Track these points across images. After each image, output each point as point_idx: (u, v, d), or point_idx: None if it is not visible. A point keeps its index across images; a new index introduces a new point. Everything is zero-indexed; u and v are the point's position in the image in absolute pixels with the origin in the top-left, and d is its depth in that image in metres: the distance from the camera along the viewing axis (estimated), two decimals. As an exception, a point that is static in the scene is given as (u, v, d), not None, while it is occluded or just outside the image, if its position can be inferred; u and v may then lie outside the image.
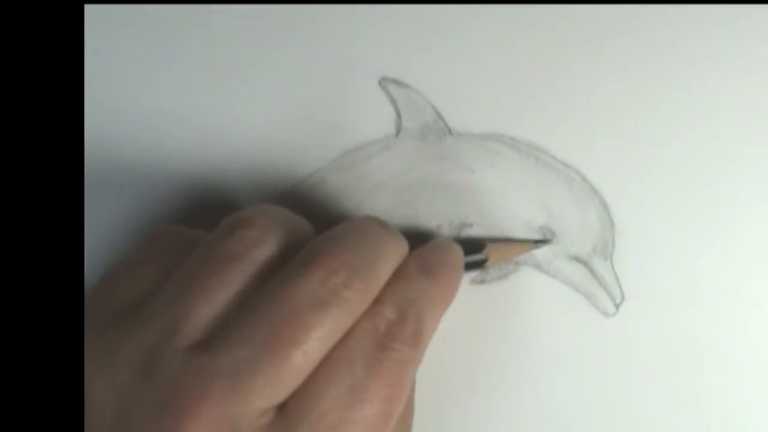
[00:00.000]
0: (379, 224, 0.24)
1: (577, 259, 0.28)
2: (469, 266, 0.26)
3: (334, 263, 0.21)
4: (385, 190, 0.28)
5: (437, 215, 0.28)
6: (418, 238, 0.25)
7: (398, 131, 0.28)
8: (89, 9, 0.27)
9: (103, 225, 0.27)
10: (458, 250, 0.25)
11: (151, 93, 0.28)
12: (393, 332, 0.22)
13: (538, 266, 0.28)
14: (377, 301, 0.22)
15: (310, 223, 0.24)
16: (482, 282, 0.28)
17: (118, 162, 0.28)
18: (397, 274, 0.23)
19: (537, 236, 0.28)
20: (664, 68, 0.28)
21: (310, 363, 0.21)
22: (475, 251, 0.26)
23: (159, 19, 0.28)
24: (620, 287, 0.28)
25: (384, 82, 0.28)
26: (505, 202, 0.28)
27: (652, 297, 0.28)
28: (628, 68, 0.28)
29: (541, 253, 0.28)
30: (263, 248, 0.22)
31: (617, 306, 0.28)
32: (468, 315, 0.28)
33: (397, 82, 0.28)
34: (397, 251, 0.23)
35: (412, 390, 0.24)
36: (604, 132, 0.28)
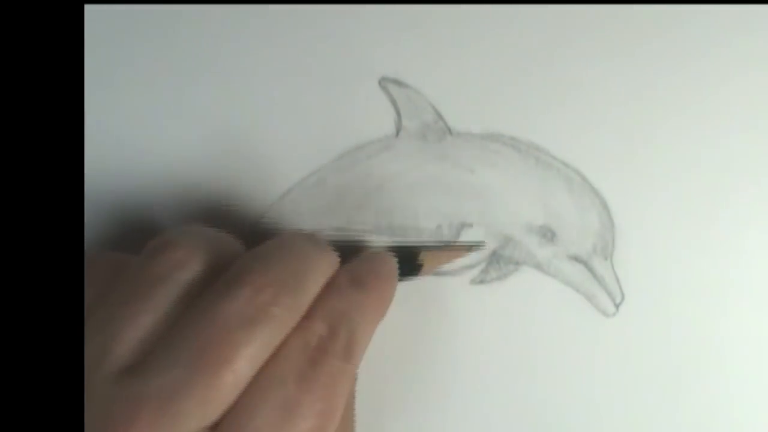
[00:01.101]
0: (307, 239, 0.24)
1: (577, 259, 0.28)
2: (405, 274, 0.26)
3: (260, 280, 0.21)
4: (385, 190, 0.28)
5: (437, 215, 0.28)
6: (352, 250, 0.25)
7: (398, 131, 0.28)
8: (89, 9, 0.27)
9: (103, 225, 0.27)
10: (391, 260, 0.25)
11: (150, 93, 0.28)
12: (324, 347, 0.22)
13: (538, 266, 0.28)
14: (308, 316, 0.22)
15: (240, 241, 0.24)
16: (482, 282, 0.28)
17: (118, 162, 0.28)
18: (328, 288, 0.23)
19: (537, 236, 0.28)
20: (664, 68, 0.28)
21: (241, 382, 0.20)
22: (410, 259, 0.26)
23: (159, 19, 0.28)
24: (620, 287, 0.28)
25: (384, 82, 0.28)
26: (505, 202, 0.28)
27: (652, 297, 0.28)
28: (628, 68, 0.28)
29: (541, 253, 0.28)
30: (188, 269, 0.22)
31: (617, 306, 0.28)
32: (468, 315, 0.28)
33: (397, 82, 0.28)
34: (326, 265, 0.23)
35: (352, 401, 0.24)
36: (604, 132, 0.28)
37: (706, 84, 0.28)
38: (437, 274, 0.28)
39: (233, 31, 0.28)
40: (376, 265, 0.25)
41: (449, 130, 0.28)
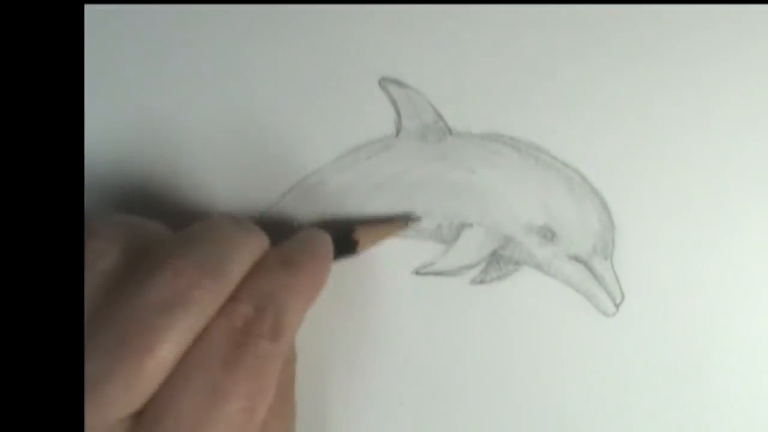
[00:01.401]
0: (233, 221, 0.23)
1: (577, 259, 0.28)
2: (341, 252, 0.26)
3: (181, 264, 0.21)
4: (385, 190, 0.28)
5: (437, 215, 0.28)
6: (289, 231, 0.25)
7: (398, 131, 0.28)
8: (89, 9, 0.27)
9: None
10: (324, 239, 0.25)
11: (150, 93, 0.28)
12: (250, 328, 0.21)
13: (538, 266, 0.28)
14: (234, 298, 0.22)
15: (168, 229, 0.24)
16: (482, 282, 0.28)
17: (118, 162, 0.28)
18: (257, 269, 0.23)
19: (537, 236, 0.28)
20: (664, 68, 0.28)
21: (164, 367, 0.20)
22: (345, 237, 0.26)
23: (159, 19, 0.28)
24: (620, 287, 0.28)
25: (384, 82, 0.28)
26: (505, 202, 0.28)
27: (652, 297, 0.28)
28: (628, 68, 0.28)
29: (541, 253, 0.28)
30: (108, 258, 0.22)
31: (617, 306, 0.28)
32: (468, 315, 0.28)
33: (397, 82, 0.28)
34: (253, 246, 0.23)
35: (291, 383, 0.24)
36: (604, 132, 0.28)
37: (707, 84, 0.28)
38: (437, 274, 0.28)
39: (233, 31, 0.28)
40: (308, 244, 0.24)
41: (449, 130, 0.28)
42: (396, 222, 0.27)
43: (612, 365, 0.28)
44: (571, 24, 0.28)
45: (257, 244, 0.23)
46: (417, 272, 0.28)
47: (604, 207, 0.28)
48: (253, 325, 0.22)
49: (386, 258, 0.28)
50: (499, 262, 0.28)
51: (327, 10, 0.28)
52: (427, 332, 0.28)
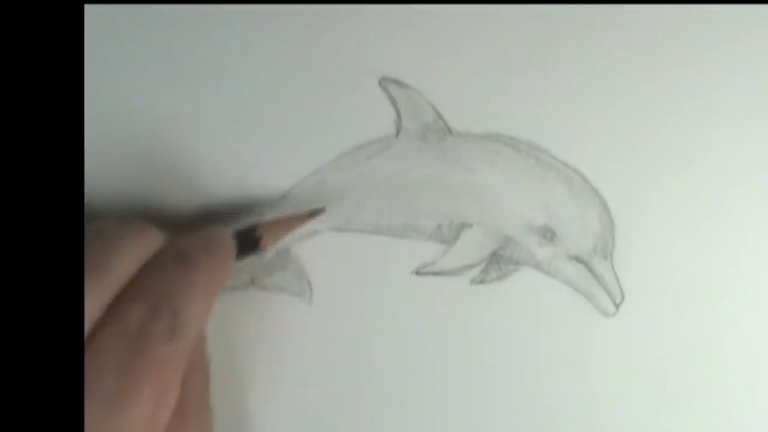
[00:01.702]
0: (118, 220, 0.23)
1: (577, 259, 0.28)
2: (245, 250, 0.25)
3: None
4: (385, 190, 0.28)
5: (437, 215, 0.28)
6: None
7: (398, 131, 0.28)
8: (89, 9, 0.27)
9: (103, 225, 0.27)
10: (221, 233, 0.24)
11: (150, 93, 0.28)
12: (145, 330, 0.21)
13: (538, 266, 0.28)
14: (124, 298, 0.21)
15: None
16: (482, 282, 0.28)
17: (118, 161, 0.28)
18: (148, 268, 0.22)
19: (537, 236, 0.28)
20: (664, 68, 0.28)
21: None
22: (247, 233, 0.25)
23: (159, 19, 0.28)
24: (620, 287, 0.28)
25: (384, 82, 0.28)
26: (505, 202, 0.28)
27: (652, 297, 0.28)
28: (627, 68, 0.28)
29: (541, 253, 0.28)
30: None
31: (617, 306, 0.28)
32: (468, 315, 0.28)
33: (397, 82, 0.28)
34: (140, 245, 0.22)
35: (203, 383, 0.24)
36: (604, 132, 0.28)
37: (706, 84, 0.28)
38: (437, 274, 0.28)
39: (233, 31, 0.28)
40: (204, 239, 0.23)
41: (449, 130, 0.28)
42: (299, 216, 0.26)
43: (612, 365, 0.28)
44: (570, 24, 0.28)
45: (148, 242, 0.22)
46: (417, 272, 0.28)
47: (604, 207, 0.28)
48: (148, 326, 0.21)
49: (386, 258, 0.28)
50: (499, 262, 0.28)
51: (327, 10, 0.28)
52: (427, 332, 0.28)
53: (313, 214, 0.27)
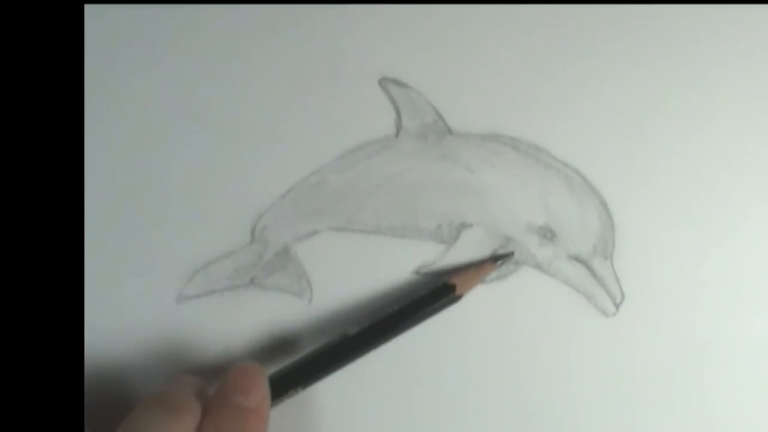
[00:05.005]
0: (159, 408, 0.23)
1: (577, 259, 0.28)
2: (443, 305, 0.26)
3: None
4: (385, 190, 0.28)
5: (437, 215, 0.28)
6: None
7: (398, 131, 0.28)
8: (89, 9, 0.27)
9: (104, 225, 0.27)
10: (258, 380, 0.24)
11: (150, 93, 0.28)
12: None
13: (538, 266, 0.28)
14: None
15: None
16: (482, 282, 0.28)
17: (118, 162, 0.28)
18: None
19: (537, 236, 0.28)
20: (664, 68, 0.28)
21: None
22: (445, 293, 0.26)
23: (158, 19, 0.28)
24: (620, 287, 0.28)
25: (384, 82, 0.28)
26: (505, 202, 0.28)
27: (652, 297, 0.28)
28: (628, 68, 0.28)
29: (541, 253, 0.28)
30: None
31: (617, 306, 0.28)
32: (468, 315, 0.28)
33: (397, 82, 0.28)
34: (183, 428, 0.23)
35: None
36: (604, 132, 0.28)
37: (706, 84, 0.28)
38: (437, 274, 0.28)
39: (234, 31, 0.28)
40: (237, 403, 0.24)
41: (449, 130, 0.28)
42: (489, 263, 0.27)
43: (612, 365, 0.28)
44: (571, 24, 0.28)
45: (187, 422, 0.23)
46: (417, 272, 0.28)
47: (604, 207, 0.28)
48: None
49: (386, 258, 0.28)
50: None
51: (327, 9, 0.28)
52: (427, 332, 0.27)
53: (503, 258, 0.27)
